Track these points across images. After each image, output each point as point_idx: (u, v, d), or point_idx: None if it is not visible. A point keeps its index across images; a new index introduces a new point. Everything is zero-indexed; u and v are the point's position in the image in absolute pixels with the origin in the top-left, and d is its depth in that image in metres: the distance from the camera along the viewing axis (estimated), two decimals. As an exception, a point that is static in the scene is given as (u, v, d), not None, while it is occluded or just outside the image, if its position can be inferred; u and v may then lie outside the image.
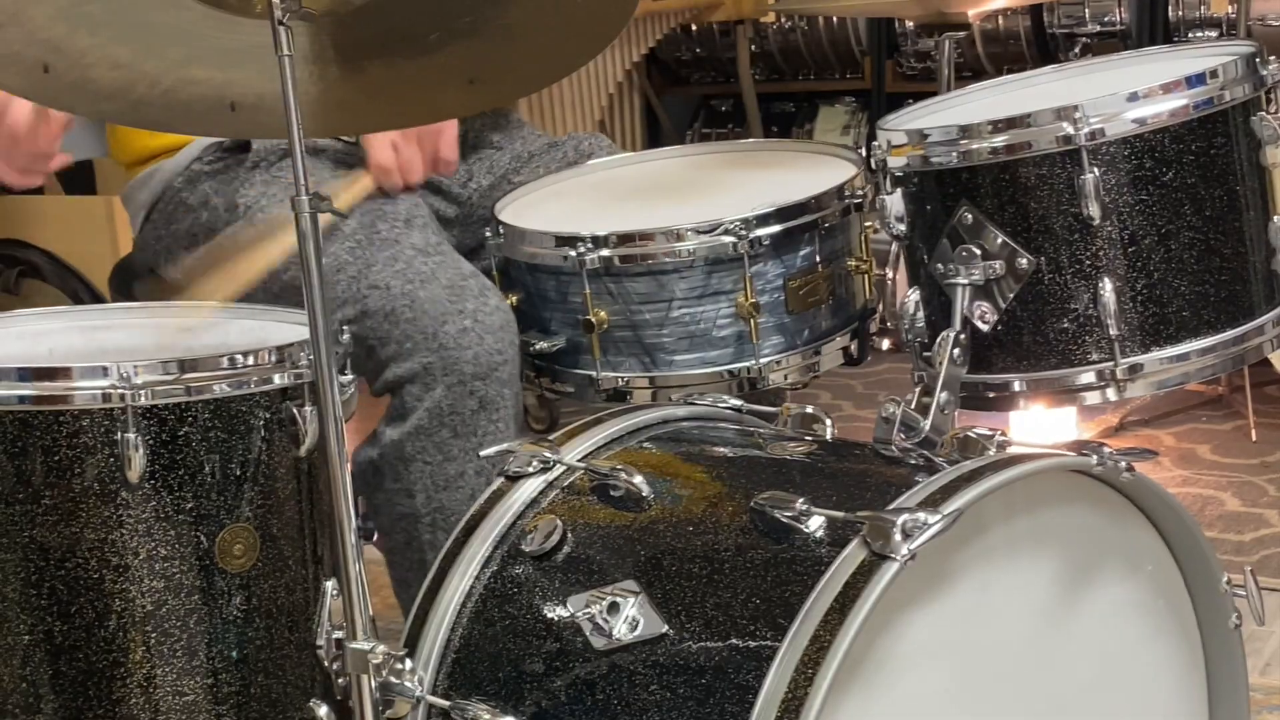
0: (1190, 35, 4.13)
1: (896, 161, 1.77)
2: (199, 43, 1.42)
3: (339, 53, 1.48)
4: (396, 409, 1.93)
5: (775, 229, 1.82)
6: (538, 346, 1.91)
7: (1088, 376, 1.72)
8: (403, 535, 1.95)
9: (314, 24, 1.42)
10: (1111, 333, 1.68)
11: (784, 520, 1.38)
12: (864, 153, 1.87)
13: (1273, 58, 1.77)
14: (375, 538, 2.03)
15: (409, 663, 1.37)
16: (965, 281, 1.72)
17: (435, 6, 1.49)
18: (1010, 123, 1.69)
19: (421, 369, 1.89)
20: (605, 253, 1.83)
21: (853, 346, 1.95)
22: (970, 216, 1.72)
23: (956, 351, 1.72)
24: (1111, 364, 1.70)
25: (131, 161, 2.19)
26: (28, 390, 1.46)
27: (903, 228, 1.79)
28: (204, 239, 2.10)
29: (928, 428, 1.63)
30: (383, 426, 1.94)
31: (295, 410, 1.55)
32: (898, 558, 1.28)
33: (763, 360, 1.85)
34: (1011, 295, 1.72)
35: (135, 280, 2.24)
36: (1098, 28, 4.30)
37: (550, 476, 1.56)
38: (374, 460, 1.94)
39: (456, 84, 1.54)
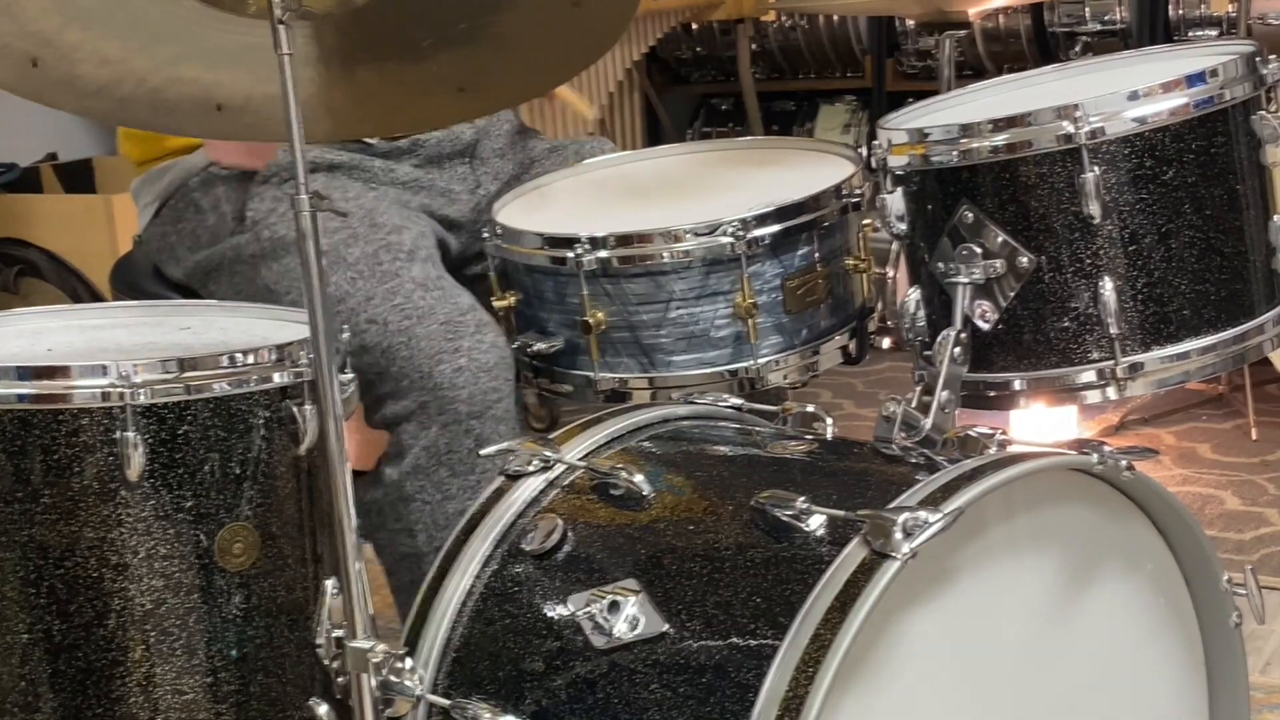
0: (1190, 34, 4.14)
1: (897, 160, 1.77)
2: (190, 41, 1.42)
3: (330, 56, 1.47)
4: (394, 447, 1.93)
5: (773, 229, 1.81)
6: (536, 347, 1.91)
7: (1088, 375, 1.71)
8: (408, 575, 1.95)
9: (310, 25, 1.42)
10: (1112, 331, 1.68)
11: (784, 519, 1.38)
12: (864, 152, 1.87)
13: (1273, 56, 1.77)
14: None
15: (409, 661, 1.37)
16: (966, 280, 1.72)
17: (431, 11, 1.49)
18: (1011, 122, 1.69)
19: (417, 408, 1.89)
20: (603, 254, 1.82)
21: (851, 346, 1.94)
22: (971, 215, 1.71)
23: (957, 350, 1.71)
24: (1112, 363, 1.70)
25: (144, 159, 2.19)
26: (27, 389, 1.46)
27: (903, 227, 1.79)
28: (208, 243, 2.10)
29: (928, 426, 1.63)
30: (383, 466, 1.94)
31: (295, 409, 1.54)
32: (898, 556, 1.28)
33: (761, 360, 1.84)
34: (1012, 294, 1.71)
35: (136, 277, 2.23)
36: (1098, 26, 4.31)
37: (551, 475, 1.56)
38: (377, 500, 1.94)
39: (446, 91, 1.53)
